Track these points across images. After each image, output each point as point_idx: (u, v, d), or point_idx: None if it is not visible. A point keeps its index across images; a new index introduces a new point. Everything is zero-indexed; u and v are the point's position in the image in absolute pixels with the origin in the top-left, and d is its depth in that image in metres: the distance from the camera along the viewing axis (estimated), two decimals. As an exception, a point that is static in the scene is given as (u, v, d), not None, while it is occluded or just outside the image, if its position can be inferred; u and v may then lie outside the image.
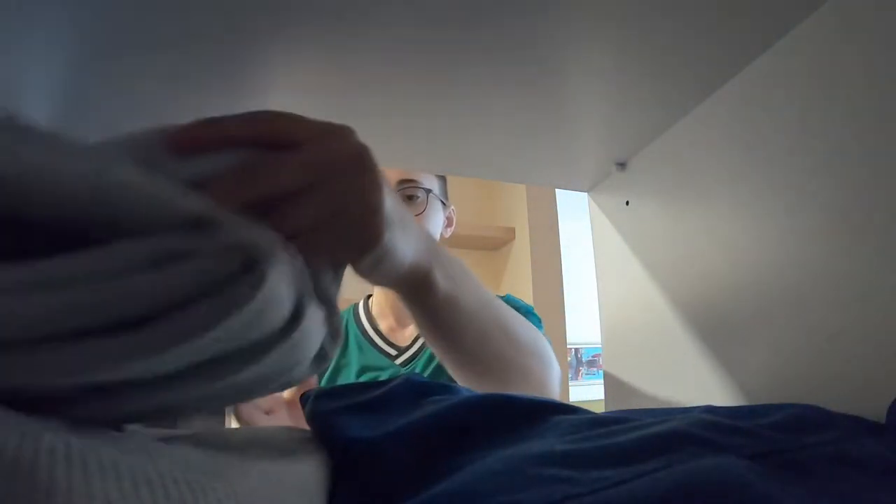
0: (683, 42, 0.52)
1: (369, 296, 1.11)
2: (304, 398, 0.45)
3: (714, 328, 0.60)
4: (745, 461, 0.25)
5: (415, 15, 0.49)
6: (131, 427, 0.25)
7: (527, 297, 1.85)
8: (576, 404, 0.39)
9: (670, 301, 0.67)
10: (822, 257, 0.47)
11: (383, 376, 0.91)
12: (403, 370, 0.96)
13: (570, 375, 1.84)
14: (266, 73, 0.57)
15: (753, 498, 0.21)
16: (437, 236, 1.01)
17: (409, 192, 0.94)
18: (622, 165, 0.78)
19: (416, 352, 1.00)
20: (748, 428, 0.30)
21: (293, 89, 0.61)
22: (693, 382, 0.62)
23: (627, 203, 0.77)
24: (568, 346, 1.84)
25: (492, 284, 2.05)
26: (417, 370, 0.96)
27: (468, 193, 2.09)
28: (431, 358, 0.98)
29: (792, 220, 0.50)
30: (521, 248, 1.93)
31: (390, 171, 0.94)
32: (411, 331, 1.03)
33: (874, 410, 0.38)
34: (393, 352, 1.00)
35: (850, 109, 0.45)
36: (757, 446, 0.28)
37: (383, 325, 1.04)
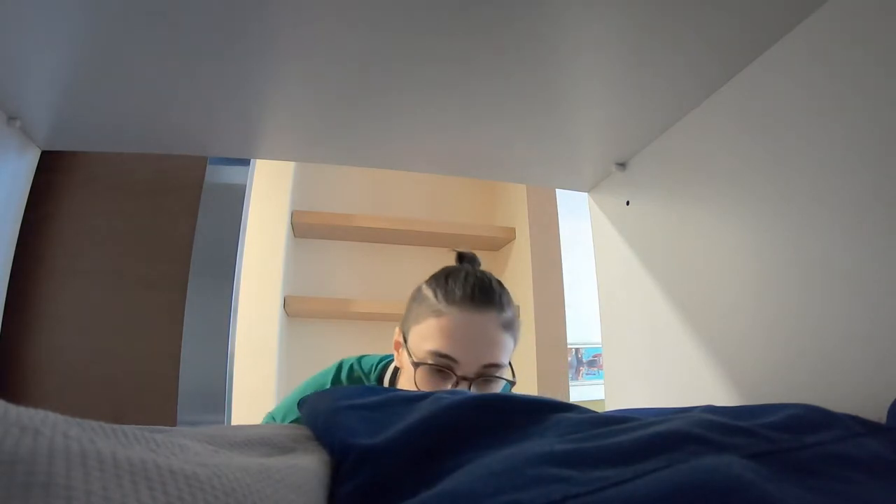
0: (683, 44, 0.52)
1: (396, 368, 0.87)
2: (303, 399, 0.44)
3: (714, 327, 0.60)
4: (745, 461, 0.25)
5: (419, 18, 0.49)
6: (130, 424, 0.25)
7: (527, 297, 1.85)
8: (575, 404, 0.39)
9: (670, 301, 0.67)
10: (821, 257, 0.47)
11: None
12: None
13: (570, 375, 1.84)
14: (267, 72, 0.57)
15: (753, 497, 0.21)
16: None
17: (491, 377, 0.79)
18: (622, 165, 0.78)
19: None
20: (748, 428, 0.30)
21: (296, 88, 0.61)
22: (693, 382, 0.62)
23: (627, 203, 0.77)
24: (568, 346, 1.83)
25: (492, 284, 2.05)
26: None
27: (468, 193, 2.09)
28: None
29: (791, 219, 0.50)
30: (521, 248, 1.93)
31: (475, 353, 0.75)
32: None
33: (874, 410, 0.38)
34: None
35: (850, 110, 0.45)
36: (757, 446, 0.28)
37: None
